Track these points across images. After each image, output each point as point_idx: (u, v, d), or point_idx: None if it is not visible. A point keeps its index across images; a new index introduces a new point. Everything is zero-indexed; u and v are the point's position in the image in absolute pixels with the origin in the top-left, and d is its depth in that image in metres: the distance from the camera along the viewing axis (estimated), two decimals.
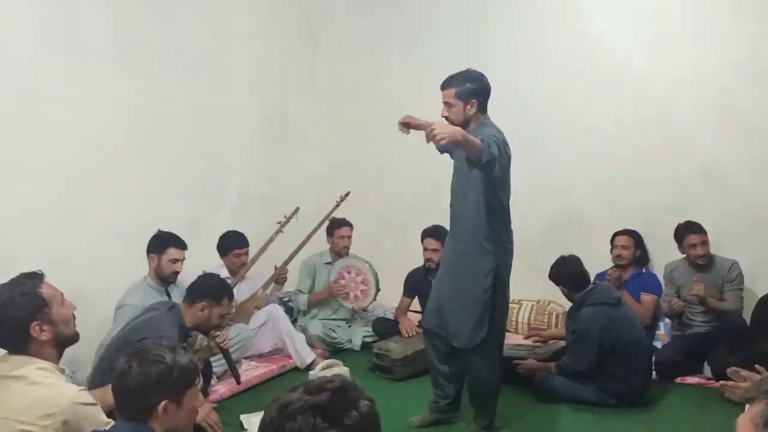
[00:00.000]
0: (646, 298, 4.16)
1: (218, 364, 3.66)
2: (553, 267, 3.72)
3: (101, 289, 3.65)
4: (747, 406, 1.20)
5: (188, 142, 4.47)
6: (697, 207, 4.09)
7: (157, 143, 4.23)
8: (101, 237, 3.85)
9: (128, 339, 2.85)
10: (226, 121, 4.80)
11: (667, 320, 4.19)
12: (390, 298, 4.82)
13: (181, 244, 3.74)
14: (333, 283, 4.64)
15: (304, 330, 4.51)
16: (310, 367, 4.07)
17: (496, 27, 4.82)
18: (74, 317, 2.03)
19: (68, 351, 2.07)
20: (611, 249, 4.30)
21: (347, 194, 4.65)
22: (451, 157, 3.21)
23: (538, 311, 4.61)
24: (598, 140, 4.51)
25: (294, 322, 4.58)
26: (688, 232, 3.95)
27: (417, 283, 4.55)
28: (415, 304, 4.64)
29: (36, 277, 1.97)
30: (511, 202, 3.09)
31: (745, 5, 4.04)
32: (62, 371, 1.94)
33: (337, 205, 4.63)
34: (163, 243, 3.71)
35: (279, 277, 4.41)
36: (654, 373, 3.75)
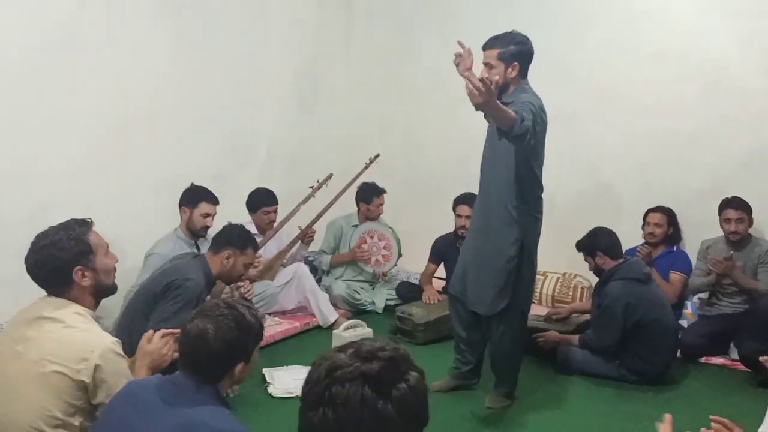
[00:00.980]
0: (675, 276, 4.11)
1: None
2: (586, 236, 3.66)
3: (131, 238, 3.69)
4: None
5: (220, 99, 4.47)
6: (735, 191, 3.96)
7: (189, 99, 4.25)
8: (133, 187, 3.91)
9: (156, 284, 2.91)
10: (258, 81, 4.78)
11: (695, 299, 4.14)
12: (415, 263, 4.84)
13: (213, 199, 3.78)
14: (356, 247, 4.66)
15: (328, 290, 4.55)
16: (332, 326, 4.12)
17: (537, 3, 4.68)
18: (115, 269, 2.05)
19: None
20: (643, 225, 4.23)
21: (377, 156, 4.63)
22: (486, 118, 3.11)
23: (563, 284, 4.59)
24: (635, 117, 4.39)
25: (318, 281, 4.62)
26: (726, 206, 3.87)
27: (444, 250, 4.54)
28: (441, 272, 4.64)
29: (85, 225, 1.99)
30: (542, 173, 3.04)
31: None
32: (98, 319, 1.98)
33: (366, 167, 4.61)
34: (196, 197, 3.75)
35: (305, 237, 4.44)
36: (679, 352, 3.72)
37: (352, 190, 4.71)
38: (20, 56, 3.39)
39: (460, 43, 3.00)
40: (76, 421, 1.80)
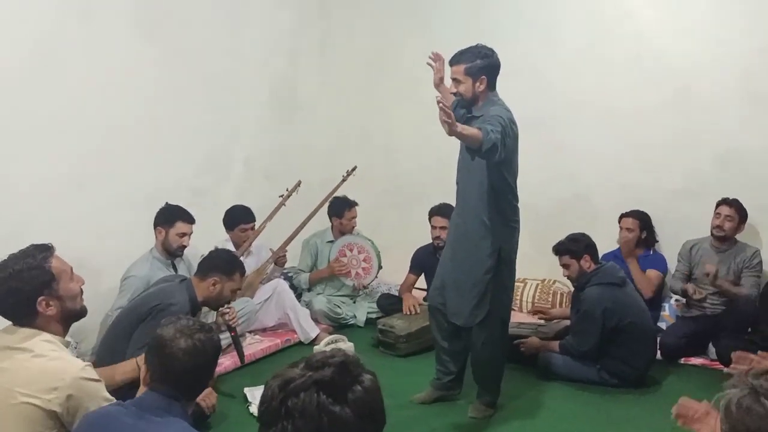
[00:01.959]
0: (652, 273, 4.15)
1: (222, 337, 3.67)
2: (569, 240, 3.66)
3: (109, 260, 3.66)
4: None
5: (197, 113, 4.44)
6: (711, 192, 4.01)
7: (166, 114, 4.21)
8: (109, 207, 3.86)
9: (140, 306, 2.89)
10: (236, 93, 4.76)
11: (672, 301, 4.18)
12: (395, 275, 4.83)
13: (189, 218, 3.74)
14: (334, 262, 4.63)
15: (308, 305, 4.52)
16: (314, 342, 4.10)
17: (511, 2, 4.73)
18: (82, 292, 2.00)
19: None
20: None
21: (354, 169, 4.62)
22: None
23: (542, 290, 4.61)
24: (611, 122, 4.45)
25: (299, 297, 4.59)
26: (723, 202, 3.92)
27: (424, 261, 4.54)
28: (421, 282, 4.64)
29: (46, 250, 1.93)
30: (518, 182, 3.06)
31: None
32: (67, 344, 1.95)
33: (343, 180, 4.59)
34: (172, 216, 3.71)
35: (278, 259, 4.42)
36: (659, 354, 3.75)
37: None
38: None
39: (433, 54, 3.05)
40: None
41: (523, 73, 4.06)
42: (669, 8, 4.25)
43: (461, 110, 3.06)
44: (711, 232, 3.95)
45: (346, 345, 3.76)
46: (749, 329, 3.68)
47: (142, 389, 1.80)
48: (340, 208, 4.65)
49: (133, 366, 2.54)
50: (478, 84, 2.95)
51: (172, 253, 3.73)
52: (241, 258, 4.08)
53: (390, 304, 4.59)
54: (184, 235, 3.72)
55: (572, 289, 3.87)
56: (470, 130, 2.68)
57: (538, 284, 4.63)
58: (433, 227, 4.39)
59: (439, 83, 3.23)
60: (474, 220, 3.01)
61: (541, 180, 4.49)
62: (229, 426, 3.05)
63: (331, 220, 4.73)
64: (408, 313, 4.34)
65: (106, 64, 3.84)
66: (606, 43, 4.43)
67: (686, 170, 4.23)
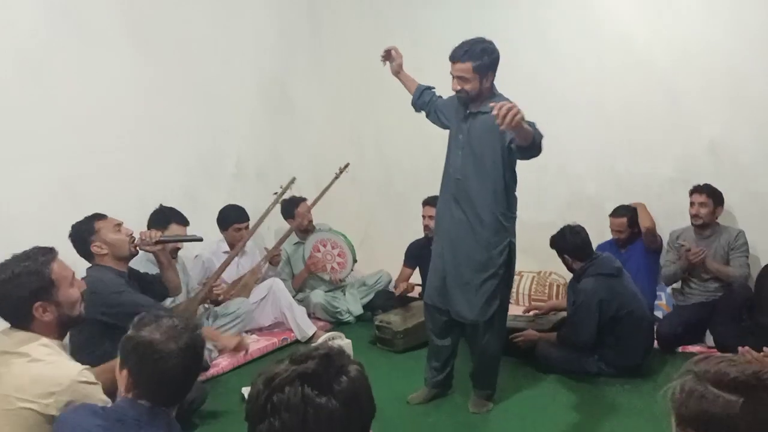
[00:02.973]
0: None
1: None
2: (556, 235, 3.69)
3: None
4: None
5: (188, 115, 4.41)
6: (703, 179, 3.99)
7: (157, 116, 4.19)
8: (102, 210, 3.71)
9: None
10: (226, 93, 4.72)
11: (668, 290, 4.19)
12: (389, 269, 4.83)
13: (183, 220, 3.71)
14: (309, 260, 4.62)
15: (306, 300, 4.51)
16: (311, 340, 4.09)
17: (501, 4, 4.71)
18: (82, 297, 1.96)
19: None
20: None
21: (347, 166, 4.61)
22: (446, 127, 3.20)
23: (539, 282, 4.61)
24: (601, 114, 4.44)
25: (294, 295, 4.57)
26: (694, 191, 3.94)
27: (418, 254, 4.52)
28: (416, 276, 4.63)
29: (49, 253, 1.89)
30: None
31: None
32: (65, 348, 1.93)
33: (336, 177, 4.58)
34: (165, 219, 3.66)
35: (272, 259, 4.39)
36: (656, 343, 3.76)
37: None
38: None
39: (384, 52, 3.25)
40: None
41: (511, 71, 4.03)
42: (654, 3, 4.24)
43: (461, 107, 3.04)
44: (690, 221, 3.97)
45: (344, 342, 3.74)
46: (745, 315, 3.69)
47: (121, 395, 1.66)
48: (290, 208, 4.62)
49: None
50: (485, 81, 2.91)
51: None
52: (236, 258, 4.09)
53: (387, 300, 4.59)
54: None
55: (568, 280, 3.88)
56: (527, 127, 2.63)
57: (534, 276, 4.63)
58: (424, 216, 4.39)
59: (399, 70, 3.32)
60: (488, 217, 2.98)
61: (534, 173, 4.46)
62: (226, 426, 3.03)
63: (289, 224, 4.68)
64: (399, 292, 4.41)
65: (97, 67, 3.81)
66: (594, 39, 4.39)
67: (676, 161, 4.23)
